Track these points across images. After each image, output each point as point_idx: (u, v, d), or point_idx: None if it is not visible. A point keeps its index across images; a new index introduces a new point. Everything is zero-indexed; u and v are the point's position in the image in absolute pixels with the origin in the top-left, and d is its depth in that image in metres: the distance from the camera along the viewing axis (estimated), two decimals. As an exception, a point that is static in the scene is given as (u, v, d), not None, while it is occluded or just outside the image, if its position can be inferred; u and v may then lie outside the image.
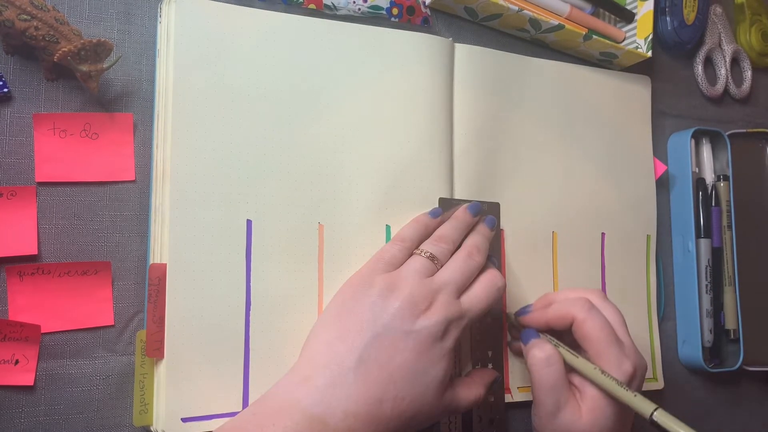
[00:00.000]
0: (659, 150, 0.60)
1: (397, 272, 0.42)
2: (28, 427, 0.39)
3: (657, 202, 0.59)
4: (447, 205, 0.47)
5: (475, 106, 0.50)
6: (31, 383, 0.39)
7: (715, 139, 0.61)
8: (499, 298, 0.44)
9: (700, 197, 0.59)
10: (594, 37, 0.53)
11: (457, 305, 0.41)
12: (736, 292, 0.58)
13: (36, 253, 0.39)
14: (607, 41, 0.54)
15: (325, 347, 0.39)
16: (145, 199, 0.42)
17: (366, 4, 0.48)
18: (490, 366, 0.48)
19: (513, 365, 0.50)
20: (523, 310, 0.48)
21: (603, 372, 0.42)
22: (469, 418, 0.48)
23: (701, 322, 0.57)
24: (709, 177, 0.60)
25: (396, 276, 0.41)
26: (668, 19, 0.59)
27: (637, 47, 0.57)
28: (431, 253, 0.43)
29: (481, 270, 0.44)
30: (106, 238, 0.41)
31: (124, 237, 0.42)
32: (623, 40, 0.58)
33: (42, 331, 0.39)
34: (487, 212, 0.48)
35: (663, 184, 0.60)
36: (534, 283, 0.51)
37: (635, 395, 0.41)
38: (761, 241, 0.61)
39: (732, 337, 0.58)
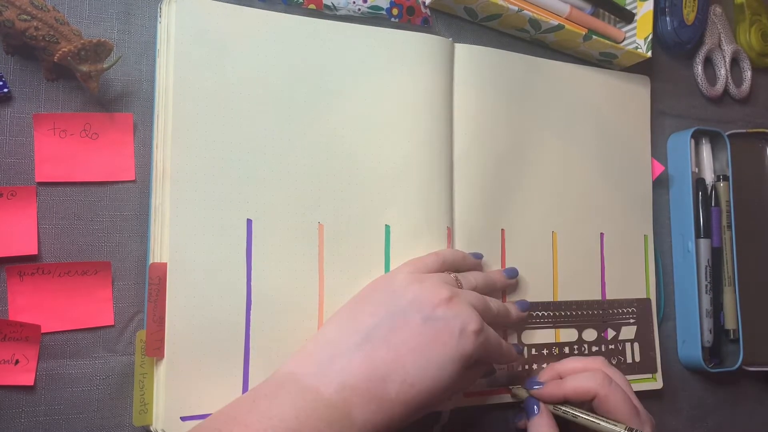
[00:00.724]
0: (659, 150, 0.60)
1: (424, 274, 0.42)
2: (28, 427, 0.39)
3: (657, 202, 0.59)
4: None
5: (475, 106, 0.50)
6: (31, 383, 0.39)
7: (715, 139, 0.61)
8: (500, 361, 0.45)
9: (700, 197, 0.59)
10: (594, 37, 0.53)
11: (478, 314, 0.40)
12: (735, 292, 0.58)
13: (36, 253, 0.39)
14: (607, 41, 0.54)
15: (335, 327, 0.39)
16: (145, 199, 0.42)
17: (366, 5, 0.48)
18: None
19: None
20: (533, 384, 0.47)
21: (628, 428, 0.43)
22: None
23: (701, 322, 0.57)
24: (708, 177, 0.60)
25: (423, 275, 0.42)
26: (668, 19, 0.59)
27: (636, 47, 0.57)
28: (457, 277, 0.44)
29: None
30: (106, 238, 0.41)
31: (124, 237, 0.42)
32: (623, 41, 0.58)
33: (42, 331, 0.39)
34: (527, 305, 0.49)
35: (662, 184, 0.60)
36: (534, 283, 0.51)
37: None
38: (761, 241, 0.61)
39: (731, 337, 0.58)
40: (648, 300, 0.56)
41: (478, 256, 0.48)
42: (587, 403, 0.45)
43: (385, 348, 0.37)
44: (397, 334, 0.37)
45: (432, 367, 0.37)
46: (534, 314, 0.51)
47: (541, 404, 0.45)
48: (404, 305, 0.38)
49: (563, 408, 0.45)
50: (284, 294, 0.43)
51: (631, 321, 0.55)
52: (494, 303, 0.44)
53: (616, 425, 0.43)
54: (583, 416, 0.44)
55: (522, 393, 0.47)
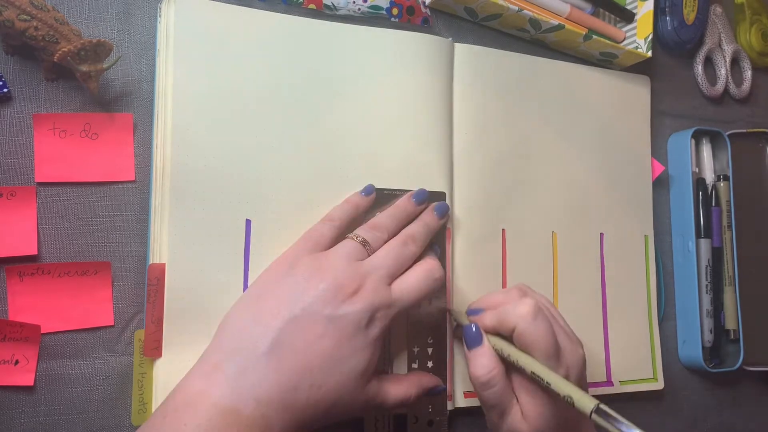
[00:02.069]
0: (659, 150, 0.60)
1: (324, 253, 0.40)
2: (28, 427, 0.39)
3: (657, 202, 0.59)
4: (386, 197, 0.45)
5: (475, 106, 0.50)
6: (31, 383, 0.39)
7: (715, 139, 0.61)
8: (436, 289, 0.41)
9: (700, 197, 0.59)
10: (594, 37, 0.53)
11: (387, 292, 0.38)
12: (736, 292, 0.58)
13: (36, 253, 0.39)
14: (607, 41, 0.54)
15: (237, 331, 0.37)
16: (145, 199, 0.42)
17: (366, 4, 0.48)
18: (430, 365, 0.46)
19: (458, 368, 0.48)
20: (474, 312, 0.45)
21: (546, 370, 0.40)
22: (402, 417, 0.45)
23: (701, 322, 0.57)
24: (709, 177, 0.60)
25: (323, 257, 0.39)
26: (668, 19, 0.59)
27: (637, 47, 0.57)
28: (363, 238, 0.40)
29: (419, 259, 0.42)
30: (105, 238, 0.41)
31: (124, 237, 0.42)
32: (623, 40, 0.58)
33: (42, 331, 0.39)
34: (432, 200, 0.46)
35: (663, 184, 0.60)
36: (535, 283, 0.51)
37: (579, 393, 0.38)
38: (761, 241, 0.61)
39: (732, 337, 0.58)
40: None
41: (369, 191, 0.44)
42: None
43: (293, 354, 0.35)
44: (301, 338, 0.36)
45: (340, 365, 0.36)
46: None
47: (484, 335, 0.42)
48: (307, 305, 0.36)
49: (495, 341, 0.42)
50: (284, 294, 0.43)
51: None
52: (414, 240, 0.41)
53: (529, 364, 0.40)
54: (510, 349, 0.41)
55: (462, 318, 0.45)
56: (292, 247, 0.41)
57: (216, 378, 0.35)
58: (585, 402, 0.36)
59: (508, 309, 0.42)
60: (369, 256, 0.40)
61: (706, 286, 0.57)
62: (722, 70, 0.64)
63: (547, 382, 0.39)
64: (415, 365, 0.45)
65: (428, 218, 0.44)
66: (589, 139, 0.55)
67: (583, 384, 0.43)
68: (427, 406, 0.45)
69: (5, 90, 0.39)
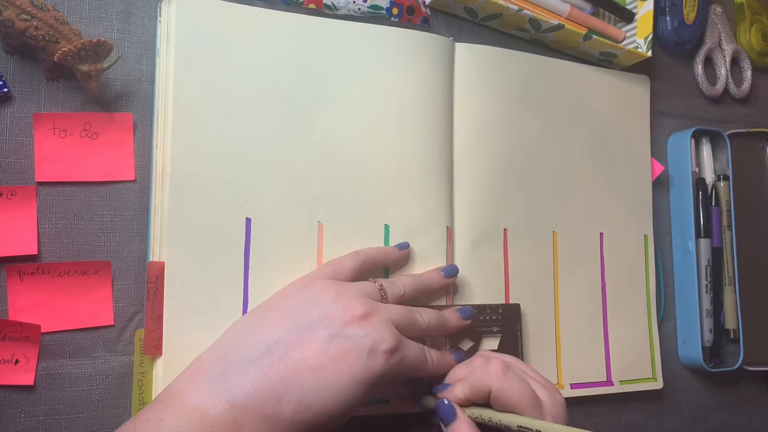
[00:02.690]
0: (659, 150, 0.60)
1: (340, 281, 0.39)
2: (28, 427, 0.39)
3: (657, 202, 0.59)
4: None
5: (475, 105, 0.50)
6: (31, 383, 0.39)
7: (715, 138, 0.61)
8: (425, 371, 0.40)
9: (700, 197, 0.59)
10: (594, 36, 0.53)
11: (395, 331, 0.37)
12: (736, 292, 0.58)
13: (36, 252, 0.39)
14: (607, 41, 0.54)
15: (235, 338, 0.36)
16: (145, 198, 0.42)
17: (366, 4, 0.48)
18: None
19: None
20: (442, 388, 0.42)
21: (531, 420, 0.38)
22: None
23: (701, 322, 0.57)
24: (709, 177, 0.60)
25: (339, 284, 0.39)
26: (668, 18, 0.59)
27: (637, 47, 0.57)
28: (381, 285, 0.40)
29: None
30: (105, 237, 0.41)
31: (124, 237, 0.42)
32: (623, 40, 0.58)
33: (42, 331, 0.39)
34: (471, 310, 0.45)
35: (662, 184, 0.60)
36: (535, 282, 0.51)
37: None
38: (761, 241, 0.61)
39: (732, 336, 0.58)
40: (517, 306, 0.49)
41: (403, 247, 0.45)
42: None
43: (284, 364, 0.34)
44: (298, 350, 0.34)
45: (333, 389, 0.34)
46: None
47: (457, 407, 0.41)
48: (313, 319, 0.36)
49: (471, 410, 0.41)
50: (284, 294, 0.43)
51: (495, 330, 0.48)
52: (425, 315, 0.41)
53: (508, 422, 0.38)
54: (478, 414, 0.40)
55: (430, 401, 0.42)
56: (313, 270, 0.41)
57: (197, 377, 0.34)
58: None
59: (477, 373, 0.40)
60: (382, 302, 0.40)
61: (706, 285, 0.57)
62: (722, 70, 0.64)
63: (537, 430, 0.37)
64: None
65: (449, 314, 0.44)
66: (589, 138, 0.55)
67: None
68: None
69: (5, 90, 0.39)
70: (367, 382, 0.35)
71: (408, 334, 0.39)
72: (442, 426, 0.41)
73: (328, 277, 0.40)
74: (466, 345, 0.47)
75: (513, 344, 0.48)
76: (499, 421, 0.39)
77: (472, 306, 0.46)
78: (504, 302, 0.50)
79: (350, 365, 0.35)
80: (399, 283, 0.42)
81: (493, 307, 0.48)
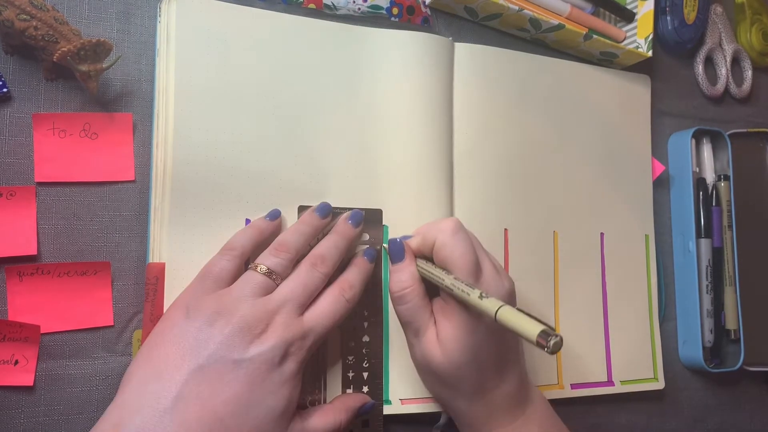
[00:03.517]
0: (660, 150, 0.60)
1: (227, 291, 0.37)
2: (27, 427, 0.39)
3: (658, 202, 0.59)
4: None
5: (475, 105, 0.50)
6: (31, 383, 0.39)
7: (716, 138, 0.61)
8: (349, 310, 0.39)
9: (701, 197, 0.59)
10: (594, 36, 0.53)
11: (298, 324, 0.36)
12: (736, 292, 0.58)
13: (35, 253, 0.39)
14: (608, 41, 0.54)
15: (138, 387, 0.33)
16: (145, 199, 0.42)
17: (366, 4, 0.48)
18: (365, 375, 0.44)
19: (394, 373, 0.45)
20: (404, 238, 0.43)
21: (455, 283, 0.38)
22: None
23: (702, 322, 0.57)
24: (709, 177, 0.60)
25: (225, 296, 0.36)
26: (669, 18, 0.59)
27: (637, 47, 0.57)
28: (268, 268, 0.38)
29: (342, 269, 0.40)
30: (105, 238, 0.41)
31: (124, 237, 0.41)
32: (623, 40, 0.58)
33: (42, 331, 0.39)
34: (339, 213, 0.44)
35: (663, 184, 0.60)
36: (536, 282, 0.51)
37: (482, 297, 0.36)
38: (762, 241, 0.61)
39: (732, 337, 0.58)
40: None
41: (275, 215, 0.42)
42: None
43: (199, 406, 0.33)
44: (208, 387, 0.33)
45: (253, 410, 0.34)
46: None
47: (408, 249, 0.41)
48: (212, 351, 0.34)
49: (420, 264, 0.41)
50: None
51: None
52: (323, 262, 0.39)
53: (442, 276, 0.38)
54: (422, 267, 0.40)
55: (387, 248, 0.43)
56: (189, 286, 0.38)
57: None
58: (487, 305, 0.35)
59: (431, 225, 0.41)
60: (276, 285, 0.38)
61: (707, 286, 0.57)
62: (723, 70, 0.64)
63: (448, 287, 0.37)
64: (350, 374, 0.43)
65: (342, 229, 0.42)
66: (589, 138, 0.55)
67: None
68: (362, 427, 0.43)
69: (5, 90, 0.39)
70: (286, 384, 0.35)
71: (315, 294, 0.38)
72: (390, 264, 0.42)
73: (211, 290, 0.37)
74: None
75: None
76: (430, 273, 0.39)
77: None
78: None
79: (264, 382, 0.34)
80: (284, 251, 0.39)
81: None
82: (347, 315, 0.39)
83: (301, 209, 0.44)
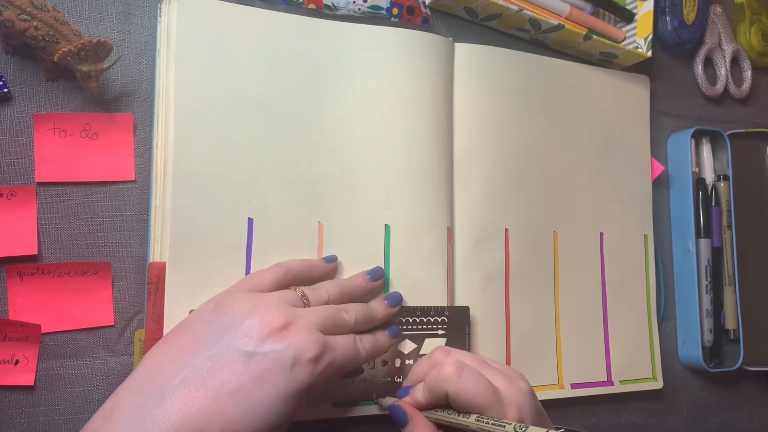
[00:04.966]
0: (659, 150, 0.60)
1: (261, 294, 0.37)
2: (28, 427, 0.39)
3: (657, 202, 0.59)
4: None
5: (475, 105, 0.50)
6: (31, 383, 0.39)
7: (715, 138, 0.61)
8: (356, 362, 0.38)
9: (700, 197, 0.59)
10: (594, 37, 0.53)
11: (318, 335, 0.35)
12: (736, 292, 0.58)
13: (36, 253, 0.39)
14: (607, 41, 0.54)
15: (149, 371, 0.33)
16: (145, 199, 0.42)
17: (366, 4, 0.48)
18: None
19: None
20: (404, 392, 0.42)
21: (482, 420, 0.37)
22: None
23: (701, 322, 0.57)
24: (709, 177, 0.60)
25: (257, 296, 0.36)
26: (668, 18, 0.59)
27: (637, 47, 0.57)
28: (303, 292, 0.39)
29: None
30: (105, 238, 0.41)
31: (124, 237, 0.42)
32: (623, 40, 0.58)
33: (42, 331, 0.39)
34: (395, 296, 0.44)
35: (663, 184, 0.60)
36: (536, 282, 0.51)
37: (522, 428, 0.35)
38: (761, 241, 0.61)
39: (732, 337, 0.58)
40: (466, 308, 0.47)
41: (331, 259, 0.43)
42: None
43: (203, 393, 0.32)
44: (216, 375, 0.32)
45: (258, 410, 0.32)
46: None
47: (412, 411, 0.40)
48: (229, 339, 0.33)
49: (435, 415, 0.40)
50: (284, 294, 0.43)
51: (440, 333, 0.46)
52: (351, 311, 0.40)
53: (466, 422, 0.37)
54: (446, 415, 0.39)
55: (389, 402, 0.42)
56: (232, 285, 0.39)
57: (113, 416, 0.32)
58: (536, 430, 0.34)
59: (432, 377, 0.39)
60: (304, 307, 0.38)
61: (706, 286, 0.57)
62: (722, 70, 0.64)
63: (492, 423, 0.36)
64: None
65: (376, 304, 0.42)
66: (589, 138, 0.55)
67: (538, 417, 0.40)
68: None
69: (5, 90, 0.39)
70: (293, 396, 0.34)
71: (335, 334, 0.38)
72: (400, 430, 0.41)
73: (247, 291, 0.38)
74: (408, 348, 0.45)
75: (459, 348, 0.46)
76: (459, 421, 0.38)
77: (419, 308, 0.45)
78: (505, 302, 0.50)
79: (273, 383, 0.33)
80: (322, 288, 0.40)
81: (438, 309, 0.46)
82: (352, 367, 0.39)
83: (375, 273, 0.44)
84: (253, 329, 0.34)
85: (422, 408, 0.41)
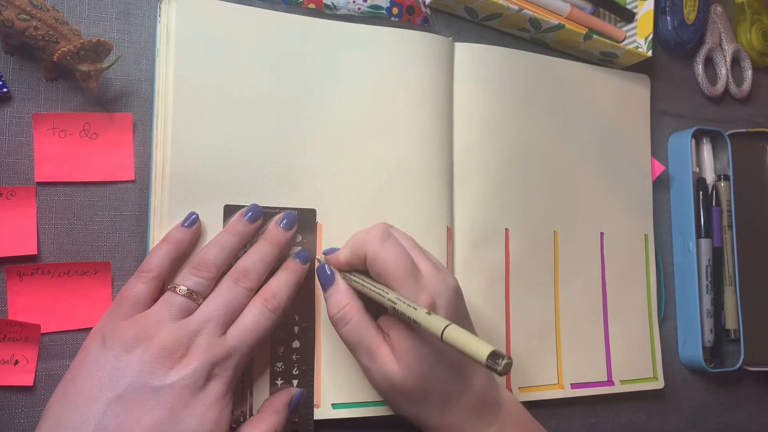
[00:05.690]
0: (660, 150, 0.60)
1: (145, 315, 0.35)
2: (27, 427, 0.39)
3: (657, 202, 0.59)
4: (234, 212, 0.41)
5: (475, 105, 0.50)
6: (31, 383, 0.39)
7: (716, 138, 0.61)
8: (276, 321, 0.37)
9: (701, 197, 0.59)
10: (594, 36, 0.53)
11: (221, 344, 0.35)
12: (736, 292, 0.58)
13: (36, 253, 0.39)
14: (608, 41, 0.54)
15: (54, 423, 0.32)
16: (145, 199, 0.42)
17: (366, 4, 0.48)
18: (295, 382, 0.42)
19: (327, 377, 0.43)
20: (330, 251, 0.41)
21: (398, 298, 0.36)
22: None
23: (702, 322, 0.57)
24: (709, 177, 0.60)
25: (143, 321, 0.35)
26: (668, 18, 0.59)
27: (637, 47, 0.57)
28: (188, 289, 0.36)
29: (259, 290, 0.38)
30: (105, 238, 0.41)
31: (124, 237, 0.41)
32: (623, 40, 0.58)
33: (42, 331, 0.39)
34: (274, 215, 0.41)
35: (663, 184, 0.60)
36: (536, 282, 0.51)
37: (429, 314, 0.34)
38: (762, 241, 0.61)
39: (732, 337, 0.58)
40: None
41: (192, 221, 0.39)
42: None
43: None
44: (129, 417, 0.32)
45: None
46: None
47: (336, 272, 0.39)
48: (131, 380, 0.32)
49: (352, 277, 0.39)
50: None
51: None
52: (244, 273, 0.37)
53: (383, 292, 0.36)
54: (362, 282, 0.38)
55: (321, 259, 0.42)
56: (105, 313, 0.36)
57: None
58: (434, 323, 0.33)
59: (358, 236, 0.39)
60: (198, 306, 0.36)
61: (707, 285, 0.57)
62: (722, 70, 0.64)
63: (391, 301, 0.35)
64: (278, 381, 0.41)
65: (272, 234, 0.40)
66: (589, 138, 0.55)
67: (455, 316, 0.39)
68: (293, 419, 0.41)
69: (5, 90, 0.39)
70: (215, 405, 0.34)
71: (239, 310, 0.36)
72: (323, 293, 0.40)
73: (127, 315, 0.35)
74: None
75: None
76: (371, 288, 0.37)
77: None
78: (505, 302, 0.50)
79: (188, 405, 0.33)
80: (204, 269, 0.37)
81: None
82: (274, 326, 0.38)
83: (228, 210, 0.41)
84: (155, 363, 0.33)
85: (341, 268, 0.40)
